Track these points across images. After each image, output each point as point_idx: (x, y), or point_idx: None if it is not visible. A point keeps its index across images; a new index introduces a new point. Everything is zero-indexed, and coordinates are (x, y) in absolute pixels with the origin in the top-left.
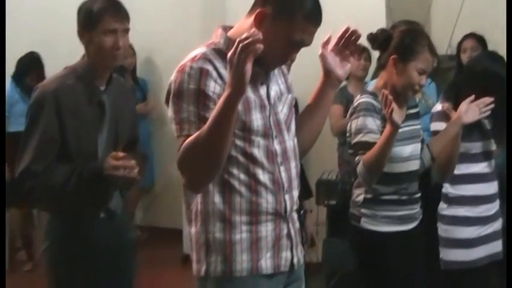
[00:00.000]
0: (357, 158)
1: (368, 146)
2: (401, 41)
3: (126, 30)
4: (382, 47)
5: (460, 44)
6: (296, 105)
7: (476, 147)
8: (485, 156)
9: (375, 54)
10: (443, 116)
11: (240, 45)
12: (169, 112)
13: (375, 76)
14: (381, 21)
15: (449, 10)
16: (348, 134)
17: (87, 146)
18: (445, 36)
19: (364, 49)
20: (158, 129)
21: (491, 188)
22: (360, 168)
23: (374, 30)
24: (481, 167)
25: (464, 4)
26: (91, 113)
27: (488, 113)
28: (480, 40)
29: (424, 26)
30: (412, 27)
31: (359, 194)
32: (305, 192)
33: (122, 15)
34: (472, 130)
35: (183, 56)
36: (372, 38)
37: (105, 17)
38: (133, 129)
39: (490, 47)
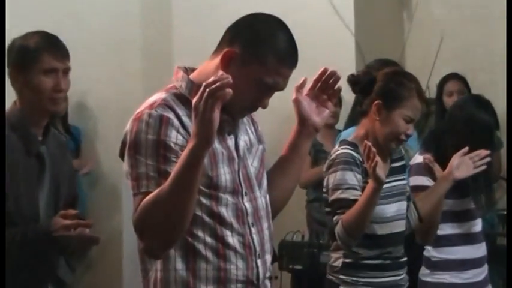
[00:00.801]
0: (335, 217)
1: (348, 204)
2: (387, 84)
3: (67, 70)
4: (364, 91)
5: (441, 85)
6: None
7: (462, 204)
8: (472, 214)
9: (347, 98)
10: (424, 169)
11: (207, 90)
12: (125, 166)
13: (350, 124)
14: (350, 63)
15: (425, 50)
16: (324, 190)
17: (28, 205)
18: (421, 78)
19: None
20: (94, 186)
21: (480, 250)
22: (338, 229)
23: (343, 72)
24: (468, 227)
25: (442, 44)
26: (30, 167)
27: (484, 167)
28: (464, 82)
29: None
30: (398, 69)
31: (337, 258)
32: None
33: (63, 52)
34: (457, 185)
35: (121, 98)
36: (353, 80)
37: (44, 55)
38: (71, 186)
39: (474, 90)
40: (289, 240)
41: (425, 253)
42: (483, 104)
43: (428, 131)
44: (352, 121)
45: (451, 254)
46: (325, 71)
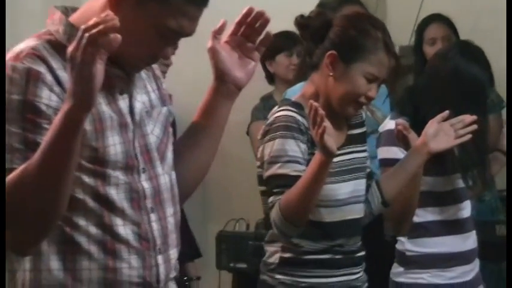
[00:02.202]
0: (270, 199)
1: (288, 181)
2: (345, 31)
3: None
4: (317, 38)
5: (421, 31)
6: (174, 125)
7: (446, 183)
8: (459, 196)
9: None
10: (397, 138)
11: (86, 35)
12: None
13: (298, 79)
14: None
15: None
16: (258, 164)
17: None
18: (406, 21)
19: (296, 40)
20: None
21: (469, 242)
22: (275, 214)
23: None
24: (453, 212)
25: None
26: None
27: (468, 137)
28: (450, 26)
29: (377, 5)
30: (361, 11)
31: (273, 253)
32: (189, 250)
33: None
34: (439, 159)
35: None
36: (302, 23)
37: None
38: None
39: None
40: (229, 231)
41: (397, 246)
42: (473, 53)
43: (404, 88)
44: (300, 76)
45: (432, 247)
46: (250, 11)
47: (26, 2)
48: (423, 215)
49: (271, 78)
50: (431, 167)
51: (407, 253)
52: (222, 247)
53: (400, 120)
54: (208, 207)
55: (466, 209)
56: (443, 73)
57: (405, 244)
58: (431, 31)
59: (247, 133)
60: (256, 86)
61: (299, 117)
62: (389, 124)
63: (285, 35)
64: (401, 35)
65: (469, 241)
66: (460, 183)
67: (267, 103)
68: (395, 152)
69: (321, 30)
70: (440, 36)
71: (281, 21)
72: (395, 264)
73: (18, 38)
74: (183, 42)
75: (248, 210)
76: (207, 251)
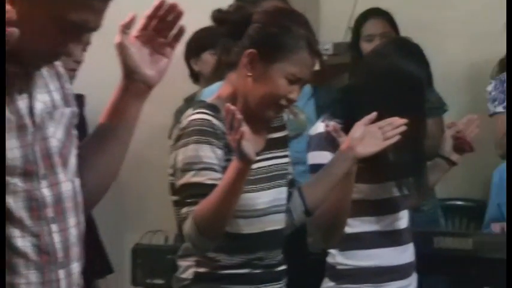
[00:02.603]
0: (184, 210)
1: (202, 191)
2: (265, 27)
3: None
4: (235, 34)
5: (358, 27)
6: (84, 128)
7: (381, 191)
8: (395, 205)
9: None
10: (326, 140)
11: None
12: None
13: (214, 79)
14: None
15: None
16: (170, 171)
17: None
18: (341, 15)
19: None
20: None
21: (405, 255)
22: (188, 226)
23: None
24: (389, 222)
25: None
26: None
27: (396, 139)
28: (390, 21)
29: None
30: (283, 6)
31: (187, 268)
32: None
33: None
34: (373, 166)
35: None
36: (218, 17)
37: None
38: None
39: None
40: (146, 244)
41: (328, 259)
42: (410, 50)
43: (337, 89)
44: (218, 75)
45: (365, 260)
46: (161, 3)
47: None
48: (356, 225)
49: (196, 77)
50: (365, 173)
51: (339, 266)
52: (138, 261)
53: (332, 123)
54: (123, 217)
55: (402, 219)
56: (378, 71)
57: (336, 257)
58: (368, 27)
59: (169, 137)
60: (180, 86)
61: (215, 121)
62: (320, 127)
63: (211, 30)
64: (336, 31)
65: (406, 254)
66: (397, 192)
67: (191, 105)
68: (327, 157)
69: (239, 26)
70: (379, 32)
71: (200, 15)
72: (325, 279)
73: None
74: (96, 37)
75: (167, 221)
76: (121, 266)
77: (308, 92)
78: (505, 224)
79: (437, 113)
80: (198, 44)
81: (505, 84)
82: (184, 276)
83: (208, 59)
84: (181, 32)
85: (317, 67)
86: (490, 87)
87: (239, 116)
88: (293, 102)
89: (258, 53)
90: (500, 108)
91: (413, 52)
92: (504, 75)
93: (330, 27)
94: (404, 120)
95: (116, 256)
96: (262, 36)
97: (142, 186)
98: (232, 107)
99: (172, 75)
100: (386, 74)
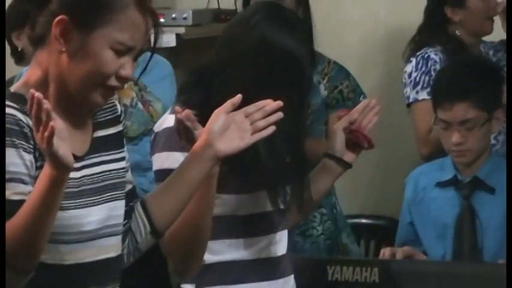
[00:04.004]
0: None
1: (7, 209)
2: None
3: None
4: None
5: None
6: None
7: (249, 203)
8: (270, 223)
9: None
10: (178, 133)
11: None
12: None
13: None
14: None
15: None
16: None
17: None
18: None
19: None
20: None
21: None
22: None
23: None
24: (263, 247)
25: None
26: None
27: (270, 131)
28: None
29: None
30: None
31: None
32: None
33: None
34: (241, 167)
35: None
36: None
37: None
38: None
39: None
40: None
41: None
42: (286, 18)
43: (191, 70)
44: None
45: None
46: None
47: None
48: (220, 251)
49: (19, 56)
50: (230, 180)
51: None
52: None
53: (186, 111)
54: None
55: (280, 243)
56: (243, 46)
57: None
58: None
59: None
60: None
61: (21, 115)
62: (168, 120)
63: None
64: None
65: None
66: (265, 205)
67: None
68: (178, 160)
69: None
70: None
71: None
72: None
73: None
74: None
75: None
76: None
77: (166, 70)
78: (397, 249)
79: (343, 105)
80: (20, 12)
81: (429, 62)
82: None
83: None
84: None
85: (172, 43)
86: (408, 67)
87: (47, 105)
88: (126, 80)
89: (70, 20)
90: (424, 95)
91: (289, 21)
92: (424, 52)
93: None
94: (279, 103)
95: None
96: None
97: None
98: (38, 94)
99: None
100: (254, 49)
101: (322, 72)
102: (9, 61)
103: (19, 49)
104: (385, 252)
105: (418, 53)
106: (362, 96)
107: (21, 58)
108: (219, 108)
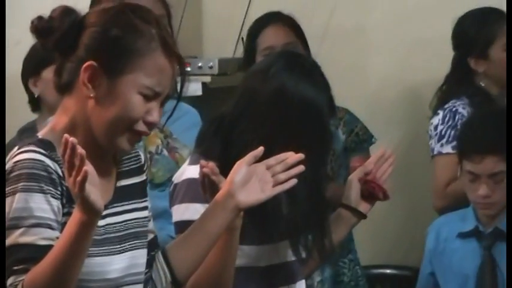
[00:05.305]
0: (10, 280)
1: (34, 253)
2: (104, 32)
3: None
4: (65, 46)
5: (252, 37)
6: None
7: (270, 254)
8: (290, 273)
9: None
10: (202, 187)
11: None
12: None
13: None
14: None
15: None
16: None
17: None
18: (230, 24)
19: None
20: None
21: None
22: None
23: None
24: None
25: None
26: None
27: (293, 183)
28: (295, 29)
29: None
30: (124, 2)
31: None
32: None
33: None
34: (262, 219)
35: None
36: (40, 28)
37: None
38: None
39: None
40: None
41: None
42: (304, 67)
43: (210, 119)
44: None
45: None
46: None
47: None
48: None
49: (35, 103)
50: (252, 231)
51: None
52: None
53: (210, 163)
54: None
55: None
56: (263, 96)
57: None
58: (267, 37)
59: None
60: (15, 114)
61: (49, 162)
62: (187, 171)
63: None
64: (223, 44)
65: None
66: (292, 255)
67: (27, 138)
68: (199, 211)
69: (69, 34)
70: (281, 43)
71: None
72: None
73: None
74: None
75: None
76: None
77: (193, 119)
78: None
79: (361, 147)
80: (37, 58)
81: (457, 117)
82: None
83: (51, 77)
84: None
85: (199, 91)
86: (435, 120)
87: (81, 150)
88: (153, 125)
89: (99, 66)
90: (448, 149)
91: (308, 70)
92: (452, 105)
93: (215, 39)
94: (300, 156)
95: None
96: (101, 43)
97: None
98: (72, 138)
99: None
100: (274, 99)
101: (337, 118)
102: (24, 108)
103: (36, 96)
104: None
105: (446, 106)
106: (373, 138)
107: (38, 105)
108: (241, 160)
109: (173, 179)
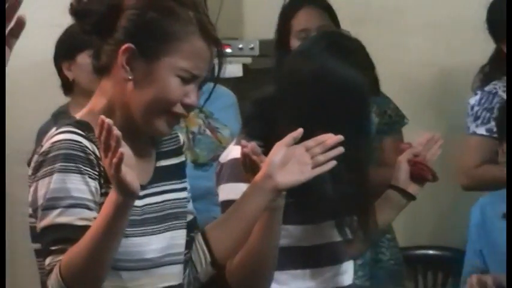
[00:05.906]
0: (47, 260)
1: (71, 234)
2: (141, 14)
3: None
4: (102, 29)
5: (286, 19)
6: None
7: (314, 234)
8: (335, 253)
9: None
10: (244, 166)
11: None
12: None
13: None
14: None
15: None
16: (30, 211)
17: None
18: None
19: None
20: None
21: None
22: (54, 281)
23: None
24: (329, 278)
25: None
26: None
27: (331, 165)
28: (328, 11)
29: None
30: None
31: None
32: None
33: None
34: (306, 199)
35: None
36: (78, 10)
37: None
38: None
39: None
40: None
41: None
42: (346, 48)
43: (253, 101)
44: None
45: None
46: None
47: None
48: (285, 282)
49: (69, 87)
50: (295, 211)
51: None
52: None
53: (251, 144)
54: None
55: (347, 274)
56: (304, 77)
57: None
58: (301, 19)
59: (28, 165)
60: (47, 98)
61: (87, 142)
62: (233, 152)
63: None
64: (264, 26)
65: None
66: (337, 236)
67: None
68: (241, 190)
69: (107, 17)
70: (315, 26)
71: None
72: None
73: None
74: None
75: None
76: None
77: (230, 100)
78: (486, 277)
79: (393, 129)
80: (71, 42)
81: (495, 100)
82: None
83: (85, 62)
84: (20, 23)
85: (239, 73)
86: (473, 101)
87: (117, 132)
88: (192, 108)
89: (136, 48)
90: (482, 130)
91: (350, 50)
92: (493, 87)
93: (256, 21)
94: (340, 137)
95: None
96: (139, 26)
97: None
98: (108, 120)
99: (38, 83)
100: (315, 80)
101: None
102: (57, 91)
103: (70, 80)
104: (473, 280)
105: (486, 88)
106: (405, 119)
107: (71, 89)
108: (280, 141)
109: (220, 159)
